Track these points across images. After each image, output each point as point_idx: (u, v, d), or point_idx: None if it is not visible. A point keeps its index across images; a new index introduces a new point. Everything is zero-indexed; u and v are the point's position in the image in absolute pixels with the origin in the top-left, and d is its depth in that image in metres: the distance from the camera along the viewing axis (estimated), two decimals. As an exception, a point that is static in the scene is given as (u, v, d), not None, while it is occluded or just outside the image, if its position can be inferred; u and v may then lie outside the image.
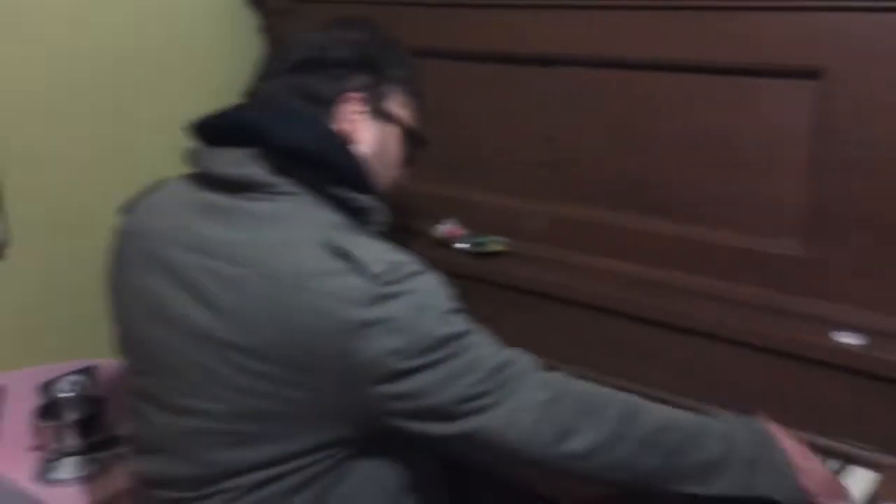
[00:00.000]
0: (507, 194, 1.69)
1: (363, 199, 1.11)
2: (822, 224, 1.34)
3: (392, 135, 1.25)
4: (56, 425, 1.67)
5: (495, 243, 1.65)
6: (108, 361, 1.73)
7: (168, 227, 1.11)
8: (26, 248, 1.74)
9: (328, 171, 1.09)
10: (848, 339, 1.27)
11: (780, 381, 1.32)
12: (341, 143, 1.14)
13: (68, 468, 1.68)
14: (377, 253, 1.01)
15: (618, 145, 1.54)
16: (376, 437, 1.06)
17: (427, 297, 1.01)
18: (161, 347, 1.09)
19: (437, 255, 1.67)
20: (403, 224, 1.79)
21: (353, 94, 1.19)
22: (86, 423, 1.68)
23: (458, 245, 1.66)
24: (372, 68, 1.21)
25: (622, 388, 1.43)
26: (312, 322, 0.97)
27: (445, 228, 1.69)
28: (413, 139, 1.29)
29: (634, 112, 1.51)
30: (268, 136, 1.08)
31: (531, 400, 1.02)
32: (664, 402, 1.41)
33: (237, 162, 1.08)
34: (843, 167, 1.30)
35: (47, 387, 1.76)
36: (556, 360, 1.54)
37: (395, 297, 0.98)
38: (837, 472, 1.23)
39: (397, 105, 1.26)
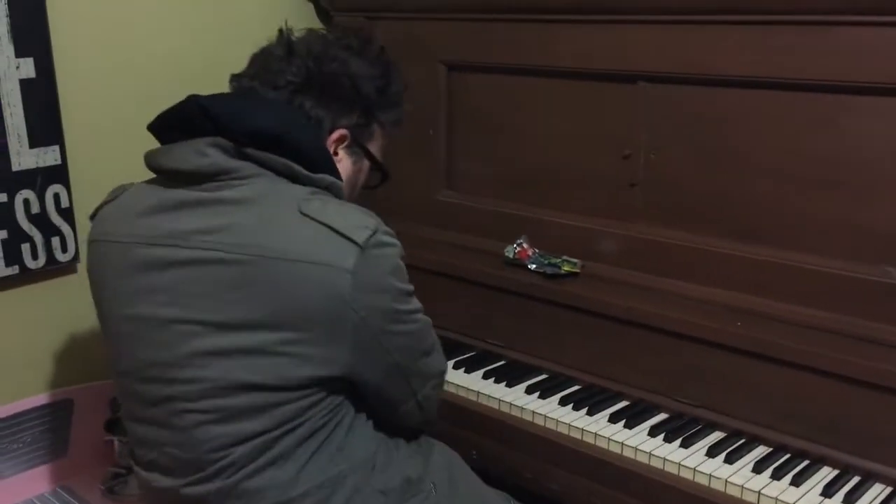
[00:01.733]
0: (581, 214, 1.69)
1: (327, 179, 1.19)
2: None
3: (364, 168, 1.37)
4: (124, 440, 1.72)
5: (568, 264, 1.65)
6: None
7: (138, 230, 1.17)
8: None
9: (292, 151, 1.16)
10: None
11: (870, 414, 1.29)
12: (304, 125, 1.23)
13: (136, 483, 1.73)
14: (355, 219, 1.13)
15: (701, 165, 1.52)
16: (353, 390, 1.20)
17: (398, 260, 1.16)
18: (143, 343, 1.17)
19: (508, 276, 1.68)
20: (475, 243, 1.81)
21: (343, 129, 1.29)
22: (153, 438, 1.73)
23: (529, 265, 1.67)
24: (369, 110, 1.32)
25: (701, 419, 1.45)
26: (303, 291, 1.08)
27: (517, 248, 1.70)
28: (381, 175, 1.41)
29: (720, 130, 1.49)
30: (225, 121, 1.14)
31: (439, 373, 1.31)
32: (744, 433, 1.41)
33: (195, 153, 1.14)
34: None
35: (116, 401, 1.82)
36: (630, 387, 1.54)
37: (376, 260, 1.11)
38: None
39: (376, 143, 1.37)
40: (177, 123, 1.18)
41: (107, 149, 1.82)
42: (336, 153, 1.30)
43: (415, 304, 1.20)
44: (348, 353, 1.12)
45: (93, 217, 1.27)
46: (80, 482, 1.76)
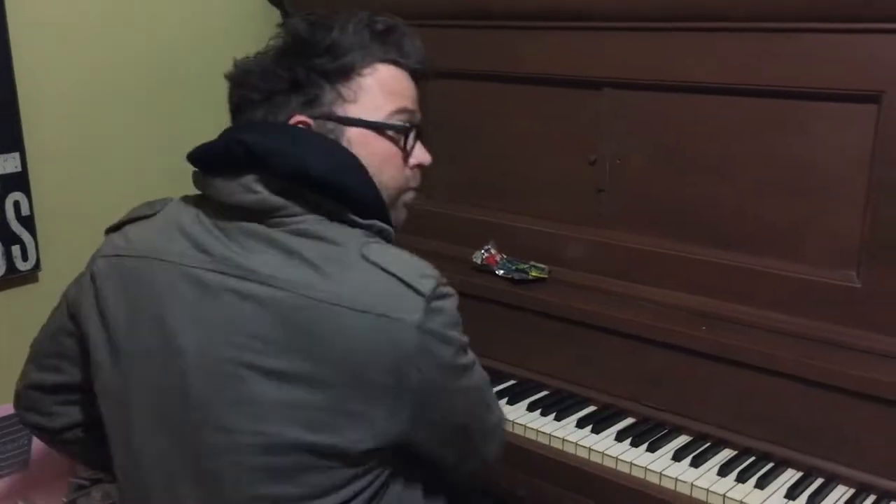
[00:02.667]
0: (548, 220, 1.71)
1: (377, 224, 1.09)
2: (879, 254, 1.34)
3: (367, 139, 1.14)
4: (87, 451, 1.71)
5: (536, 270, 1.67)
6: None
7: (194, 250, 1.07)
8: (57, 272, 1.79)
9: (340, 195, 1.07)
10: (906, 374, 1.27)
11: (834, 416, 1.32)
12: (353, 164, 1.11)
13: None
14: (418, 267, 1.05)
15: (666, 170, 1.55)
16: (402, 457, 1.11)
17: (457, 312, 1.07)
18: (184, 376, 1.05)
19: (476, 281, 1.69)
20: (443, 249, 1.81)
21: (300, 118, 1.12)
22: (116, 449, 1.72)
23: (497, 271, 1.68)
24: (299, 83, 1.13)
25: (668, 423, 1.47)
26: (367, 344, 0.99)
27: (485, 254, 1.71)
28: (400, 133, 1.17)
29: (685, 136, 1.52)
30: (270, 160, 1.05)
31: (500, 421, 1.20)
32: (710, 437, 1.43)
33: (242, 188, 1.06)
34: (898, 196, 1.30)
35: (78, 412, 1.80)
36: (598, 392, 1.56)
37: (440, 313, 1.03)
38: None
39: (354, 100, 1.14)
40: (216, 159, 1.10)
41: (68, 156, 1.80)
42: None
43: (471, 356, 1.11)
44: (408, 413, 1.03)
45: (113, 230, 1.18)
46: (43, 495, 1.74)
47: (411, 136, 1.19)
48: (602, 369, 1.55)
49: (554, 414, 1.52)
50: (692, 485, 1.32)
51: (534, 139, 1.72)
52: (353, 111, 1.14)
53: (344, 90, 1.14)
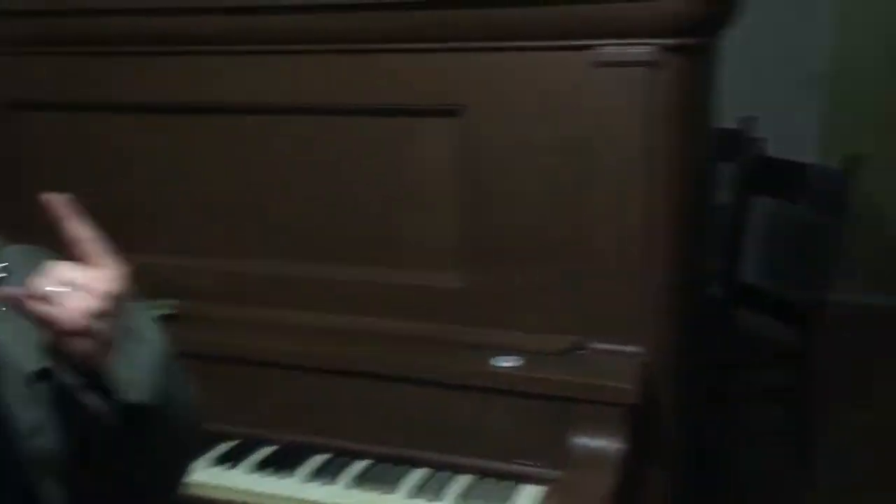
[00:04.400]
0: (168, 253, 1.66)
1: None
2: (473, 256, 1.47)
3: None
4: None
5: (161, 307, 1.61)
6: None
7: None
8: None
9: None
10: (505, 362, 1.39)
11: (449, 412, 1.41)
12: None
13: None
14: None
15: (273, 192, 1.58)
16: None
17: None
18: None
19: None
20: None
21: None
22: None
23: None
24: None
25: (312, 444, 1.48)
26: None
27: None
28: None
29: (288, 158, 1.56)
30: None
31: None
32: (349, 451, 1.46)
33: None
34: (485, 200, 1.45)
35: None
36: (236, 425, 1.53)
37: None
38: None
39: None
40: None
41: None
42: None
43: None
44: None
45: None
46: None
47: None
48: (236, 400, 1.52)
49: (190, 455, 1.47)
50: (332, 504, 1.34)
51: (145, 170, 1.67)
52: None
53: None
